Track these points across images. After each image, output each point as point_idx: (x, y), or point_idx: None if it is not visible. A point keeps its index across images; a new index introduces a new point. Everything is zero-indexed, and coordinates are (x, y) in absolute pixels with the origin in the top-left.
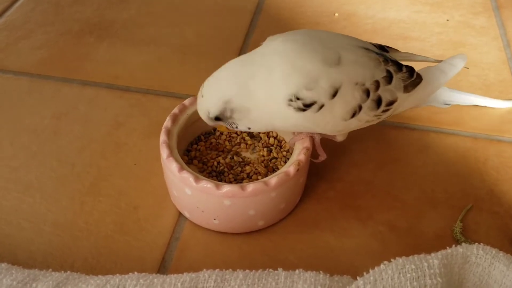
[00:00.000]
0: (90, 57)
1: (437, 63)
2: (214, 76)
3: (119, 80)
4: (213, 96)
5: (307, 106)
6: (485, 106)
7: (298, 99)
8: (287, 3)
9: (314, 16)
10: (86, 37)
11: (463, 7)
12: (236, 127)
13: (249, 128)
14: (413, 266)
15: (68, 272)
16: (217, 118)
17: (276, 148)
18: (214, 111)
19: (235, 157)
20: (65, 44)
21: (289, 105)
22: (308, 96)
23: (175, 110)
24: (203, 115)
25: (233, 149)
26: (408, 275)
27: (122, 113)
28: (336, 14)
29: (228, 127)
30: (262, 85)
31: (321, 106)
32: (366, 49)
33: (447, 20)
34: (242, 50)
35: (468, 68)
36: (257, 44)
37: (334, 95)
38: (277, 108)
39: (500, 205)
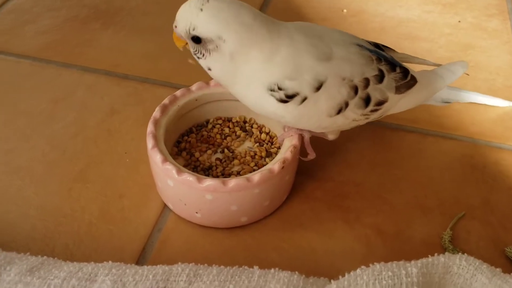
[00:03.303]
0: (93, 43)
1: (435, 67)
2: (231, 6)
3: (119, 68)
4: (214, 19)
5: (289, 98)
6: (487, 109)
7: (280, 89)
8: None
9: (322, 11)
10: (91, 23)
11: (477, 8)
12: (199, 58)
13: (209, 70)
14: (390, 273)
15: (45, 257)
16: (195, 39)
17: (267, 144)
18: (203, 32)
19: (225, 151)
20: (70, 29)
21: (271, 95)
22: (289, 87)
23: (165, 100)
24: (183, 25)
25: (223, 142)
26: (384, 282)
27: (118, 101)
28: (345, 11)
29: (193, 52)
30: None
31: (304, 99)
32: (360, 46)
33: (459, 21)
34: None
35: (468, 75)
36: None
37: (318, 88)
38: (258, 95)
39: (494, 214)
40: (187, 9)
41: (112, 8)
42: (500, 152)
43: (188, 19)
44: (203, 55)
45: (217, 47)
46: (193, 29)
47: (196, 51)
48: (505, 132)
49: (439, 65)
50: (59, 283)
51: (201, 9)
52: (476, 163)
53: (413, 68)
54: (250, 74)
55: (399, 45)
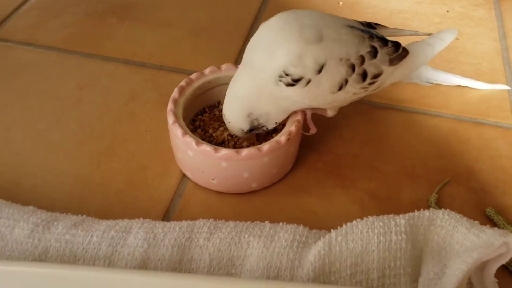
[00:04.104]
0: (111, 35)
1: (426, 37)
2: (228, 98)
3: (136, 57)
4: (236, 117)
5: (295, 81)
6: (470, 91)
7: (287, 75)
8: None
9: (319, 3)
10: (109, 17)
11: None
12: (267, 128)
13: (276, 123)
14: (381, 223)
15: (84, 215)
16: (251, 130)
17: None
18: (245, 127)
19: None
20: (89, 23)
21: (280, 81)
22: (295, 72)
23: (182, 83)
24: (239, 134)
25: None
26: (376, 230)
27: (137, 87)
28: (341, 3)
29: (261, 131)
30: (258, 74)
31: (309, 81)
32: (352, 27)
33: (447, 11)
34: (250, 33)
35: (458, 39)
36: None
37: (319, 70)
38: (267, 89)
39: (477, 181)
40: (228, 127)
41: (127, 4)
42: (482, 127)
43: (235, 131)
44: (264, 126)
45: (257, 119)
46: (243, 130)
47: (261, 130)
48: (486, 110)
49: (429, 35)
50: (100, 234)
51: (229, 122)
52: (461, 137)
53: (406, 39)
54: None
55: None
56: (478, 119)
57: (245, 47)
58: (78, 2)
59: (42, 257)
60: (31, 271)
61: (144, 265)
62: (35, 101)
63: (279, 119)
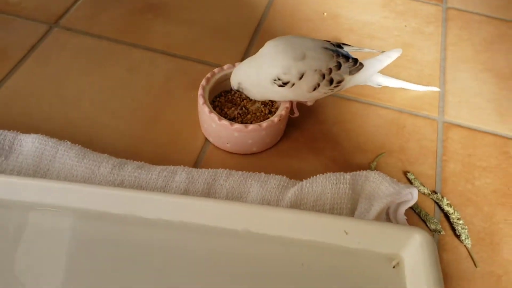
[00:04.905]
0: (149, 29)
1: (378, 54)
2: (236, 67)
3: (169, 49)
4: (234, 79)
5: (285, 84)
6: (410, 91)
7: (279, 79)
8: (291, 0)
9: (308, 14)
10: (146, 13)
11: (420, 16)
12: (246, 96)
13: (253, 97)
14: (334, 177)
15: (142, 162)
16: (238, 90)
17: (269, 105)
18: (235, 86)
19: (243, 109)
20: (132, 17)
21: (274, 83)
22: (285, 78)
23: (208, 75)
24: (233, 86)
25: (242, 103)
26: (331, 181)
27: (171, 72)
28: (325, 14)
29: (243, 94)
30: (258, 73)
31: (293, 84)
32: (325, 48)
33: (405, 26)
34: (254, 36)
35: (407, 52)
36: (266, 30)
37: (301, 78)
38: (267, 86)
39: (405, 155)
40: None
41: (160, 3)
42: (415, 118)
43: (231, 84)
44: (246, 93)
45: (243, 88)
46: (233, 87)
47: (243, 93)
48: (420, 105)
49: (381, 52)
50: (157, 173)
51: (231, 78)
52: (399, 124)
53: (365, 54)
54: (262, 80)
55: (362, 42)
56: (413, 112)
57: (251, 47)
58: (120, 0)
59: (120, 186)
60: (115, 193)
61: (185, 194)
62: (96, 79)
63: (258, 98)
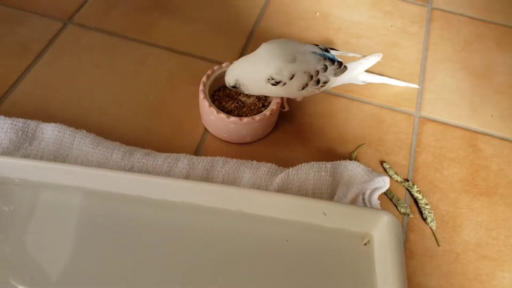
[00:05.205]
0: (155, 26)
1: (361, 58)
2: (233, 64)
3: (173, 45)
4: (231, 76)
5: (277, 83)
6: (392, 87)
7: (272, 79)
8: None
9: (302, 13)
10: (152, 11)
11: (406, 17)
12: (243, 91)
13: (249, 92)
14: (316, 166)
15: (149, 149)
16: (234, 86)
17: (262, 99)
18: (231, 83)
19: (239, 102)
20: (138, 15)
21: (268, 82)
22: (277, 78)
23: (208, 72)
24: (227, 84)
25: (238, 97)
26: (314, 169)
27: (174, 67)
28: (318, 13)
29: (239, 90)
30: (254, 72)
31: (284, 83)
32: (314, 52)
33: (391, 25)
34: (251, 35)
35: (388, 53)
36: (263, 28)
37: (291, 78)
38: (262, 84)
39: (382, 146)
40: (225, 77)
41: (164, 1)
42: (394, 112)
43: (226, 81)
44: (242, 90)
45: (240, 84)
46: (229, 84)
47: (240, 90)
48: (400, 101)
49: (364, 56)
50: (162, 159)
51: (226, 75)
52: (379, 118)
53: (349, 58)
54: (256, 78)
55: (350, 41)
56: (393, 107)
57: (248, 45)
58: None
59: (130, 170)
60: (126, 177)
61: (186, 178)
62: (106, 72)
63: (253, 93)
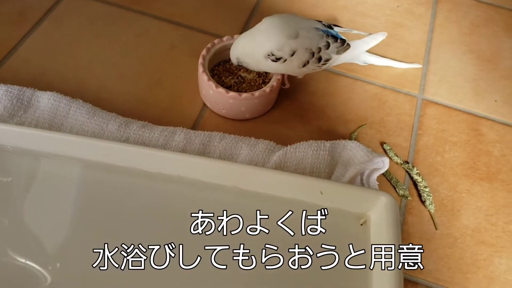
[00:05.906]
0: None
1: (365, 36)
2: (235, 42)
3: (175, 17)
4: (233, 53)
5: (277, 59)
6: (394, 68)
7: (272, 55)
8: None
9: None
10: None
11: None
12: (246, 68)
13: (252, 69)
14: (315, 144)
15: (146, 122)
16: (239, 65)
17: (263, 76)
18: (234, 60)
19: (239, 78)
20: None
21: (268, 57)
22: (278, 54)
23: (208, 45)
24: (233, 62)
25: (238, 73)
26: (312, 147)
27: (175, 40)
28: None
29: (244, 68)
30: (255, 47)
31: (285, 60)
32: (317, 28)
33: (397, 6)
34: (254, 9)
35: (393, 33)
36: (267, 3)
37: (292, 55)
38: (261, 59)
39: (384, 127)
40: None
41: None
42: (397, 94)
43: (231, 59)
44: (245, 66)
45: (240, 61)
46: (233, 61)
47: (242, 66)
48: (403, 82)
49: (369, 34)
50: (158, 132)
51: (231, 52)
52: (382, 98)
53: (352, 35)
54: (257, 54)
55: (355, 19)
56: (396, 88)
57: (251, 19)
58: None
59: (125, 142)
60: (121, 148)
61: (183, 152)
62: (106, 42)
63: (255, 70)
